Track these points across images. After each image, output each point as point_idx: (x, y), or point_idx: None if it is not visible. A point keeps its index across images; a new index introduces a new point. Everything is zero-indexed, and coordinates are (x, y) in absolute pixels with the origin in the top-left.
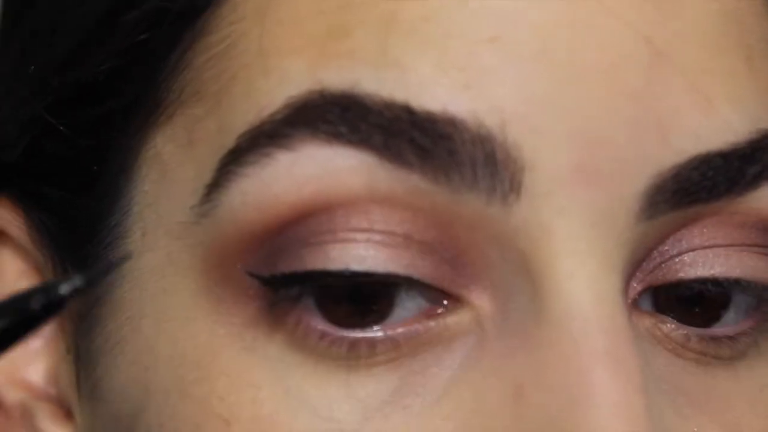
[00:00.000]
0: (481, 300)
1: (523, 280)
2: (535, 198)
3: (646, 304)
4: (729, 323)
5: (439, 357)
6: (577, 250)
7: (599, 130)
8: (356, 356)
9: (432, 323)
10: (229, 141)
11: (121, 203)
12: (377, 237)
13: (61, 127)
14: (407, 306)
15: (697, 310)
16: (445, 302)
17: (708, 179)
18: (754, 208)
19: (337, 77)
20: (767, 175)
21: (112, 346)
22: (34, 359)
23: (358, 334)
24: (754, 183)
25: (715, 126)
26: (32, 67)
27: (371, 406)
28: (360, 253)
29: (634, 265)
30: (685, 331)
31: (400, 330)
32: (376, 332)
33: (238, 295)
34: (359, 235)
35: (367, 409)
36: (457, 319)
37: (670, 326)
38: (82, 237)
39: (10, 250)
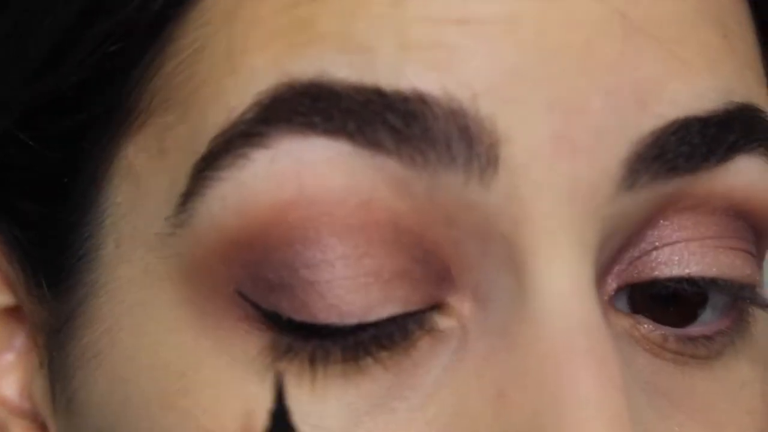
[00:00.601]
0: (461, 302)
1: (504, 274)
2: (512, 171)
3: (622, 303)
4: (706, 322)
5: (426, 359)
6: (553, 231)
7: (575, 100)
8: (354, 357)
9: (417, 323)
10: (201, 146)
11: (92, 215)
12: (362, 279)
13: (30, 141)
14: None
15: (672, 309)
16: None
17: (686, 143)
18: (727, 185)
19: (304, 66)
20: (741, 146)
21: (88, 359)
22: (8, 373)
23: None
24: (729, 154)
25: (693, 92)
26: None
27: (361, 410)
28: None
29: (610, 254)
30: (663, 332)
31: (391, 328)
32: (369, 333)
33: (227, 310)
34: (348, 281)
35: (358, 412)
36: (438, 322)
37: (647, 327)
38: (54, 249)
39: None
